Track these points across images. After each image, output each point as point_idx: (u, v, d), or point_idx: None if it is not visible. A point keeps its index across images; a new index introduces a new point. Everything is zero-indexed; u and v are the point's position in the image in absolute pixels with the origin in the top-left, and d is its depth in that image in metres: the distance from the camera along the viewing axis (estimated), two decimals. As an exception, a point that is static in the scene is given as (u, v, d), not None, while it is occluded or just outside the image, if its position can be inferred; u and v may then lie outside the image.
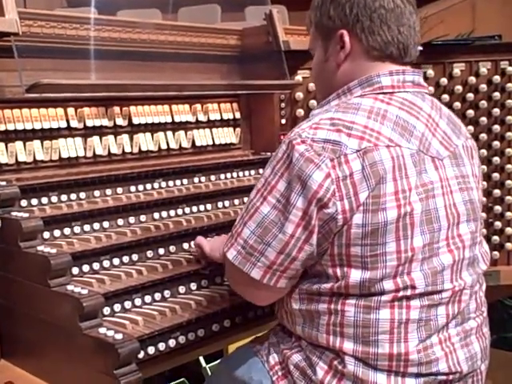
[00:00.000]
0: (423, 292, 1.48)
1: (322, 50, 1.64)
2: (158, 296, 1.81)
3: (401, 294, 1.46)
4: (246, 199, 2.37)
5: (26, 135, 2.02)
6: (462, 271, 1.56)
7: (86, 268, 1.79)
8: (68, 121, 2.11)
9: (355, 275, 1.44)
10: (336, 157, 1.41)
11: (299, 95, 2.68)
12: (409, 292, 1.46)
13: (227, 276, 1.74)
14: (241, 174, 2.52)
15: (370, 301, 1.46)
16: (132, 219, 2.03)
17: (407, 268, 1.45)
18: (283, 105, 2.68)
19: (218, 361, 1.87)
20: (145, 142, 2.32)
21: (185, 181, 2.31)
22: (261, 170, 2.59)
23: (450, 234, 1.52)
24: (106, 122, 2.21)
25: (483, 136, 2.80)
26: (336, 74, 1.61)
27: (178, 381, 2.92)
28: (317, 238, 1.44)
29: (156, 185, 2.22)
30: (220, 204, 2.29)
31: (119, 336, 1.48)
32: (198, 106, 2.51)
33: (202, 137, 2.53)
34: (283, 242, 1.46)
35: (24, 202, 1.87)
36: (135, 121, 2.29)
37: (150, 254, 1.93)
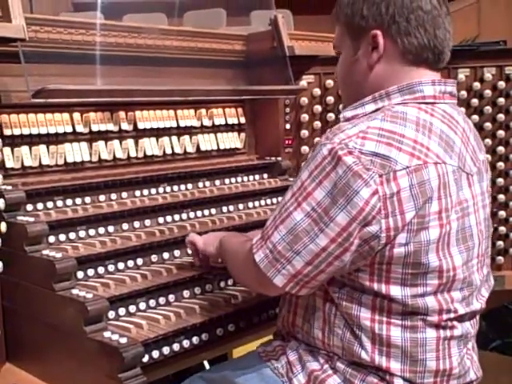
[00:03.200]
0: (463, 314, 1.50)
1: (352, 49, 1.55)
2: (162, 300, 1.82)
3: (445, 317, 1.46)
4: (250, 204, 2.38)
5: (31, 140, 2.03)
6: (481, 289, 1.58)
7: (90, 272, 1.80)
8: (73, 125, 2.12)
9: (395, 292, 1.42)
10: (385, 173, 1.34)
11: (304, 100, 2.69)
12: (452, 315, 1.47)
13: (240, 270, 1.66)
14: (245, 178, 2.53)
15: (415, 321, 1.44)
16: (137, 223, 2.04)
17: (448, 287, 1.45)
18: (288, 110, 2.69)
19: (223, 366, 1.83)
20: (150, 146, 2.33)
21: (189, 185, 2.32)
22: (265, 175, 2.60)
23: (480, 251, 1.53)
24: (111, 127, 2.22)
25: (488, 141, 2.80)
26: (368, 75, 1.53)
27: (182, 385, 2.92)
28: (351, 256, 1.39)
29: (161, 189, 2.23)
30: (224, 209, 2.30)
31: (124, 340, 1.49)
32: (203, 110, 2.52)
33: (207, 141, 2.54)
34: (313, 253, 1.40)
35: (29, 207, 1.88)
36: (140, 125, 2.30)
37: (154, 258, 1.94)
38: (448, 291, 1.45)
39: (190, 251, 1.95)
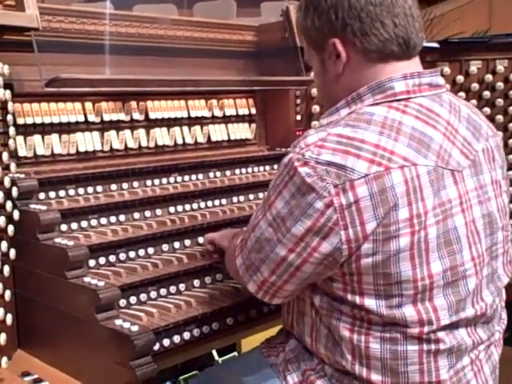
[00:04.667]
0: (448, 324, 1.39)
1: (318, 61, 1.51)
2: (173, 289, 1.83)
3: (426, 329, 1.37)
4: (260, 194, 2.39)
5: (44, 129, 2.04)
6: (482, 292, 1.46)
7: (102, 260, 1.81)
8: (85, 115, 2.14)
9: (370, 303, 1.36)
10: (340, 183, 1.29)
11: (315, 91, 2.68)
12: (434, 326, 1.37)
13: (230, 267, 1.69)
14: (256, 169, 2.53)
15: (395, 333, 1.37)
16: (148, 213, 2.05)
17: (428, 295, 1.36)
18: (299, 101, 2.68)
19: (228, 359, 1.84)
20: (161, 136, 2.34)
21: (200, 175, 2.33)
22: (275, 166, 2.60)
23: (475, 253, 1.41)
24: (122, 117, 2.23)
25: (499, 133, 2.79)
26: (339, 83, 1.47)
27: (190, 373, 2.94)
28: (315, 268, 1.36)
29: (172, 179, 2.24)
30: (235, 199, 2.31)
31: (135, 328, 1.50)
32: (214, 101, 2.52)
33: (218, 132, 2.55)
34: (275, 262, 1.40)
35: (42, 195, 1.90)
36: (152, 115, 2.31)
37: (165, 247, 1.95)
38: (429, 300, 1.36)
39: (210, 248, 1.94)
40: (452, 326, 1.41)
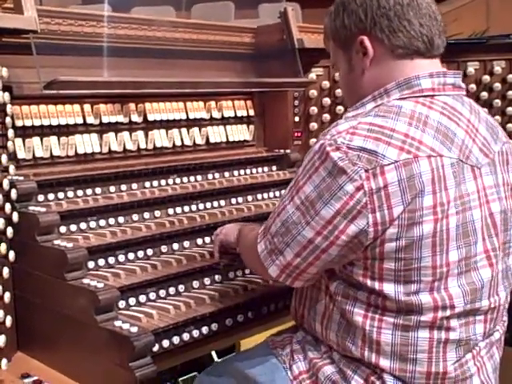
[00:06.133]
0: (462, 311, 1.45)
1: (345, 61, 1.58)
2: (172, 290, 1.83)
3: (440, 314, 1.42)
4: (259, 196, 2.40)
5: (43, 131, 2.05)
6: (498, 286, 1.52)
7: (101, 262, 1.81)
8: (84, 117, 2.14)
9: (388, 289, 1.41)
10: (371, 167, 1.34)
11: (313, 93, 2.69)
12: (448, 312, 1.43)
13: (249, 257, 1.71)
14: (254, 170, 2.54)
15: (408, 320, 1.42)
16: (147, 214, 2.05)
17: (443, 283, 1.42)
18: (297, 102, 2.69)
19: (231, 356, 1.85)
20: (159, 138, 2.34)
21: (199, 177, 2.33)
22: (274, 167, 2.62)
23: (489, 246, 1.48)
24: (121, 119, 2.24)
25: (497, 135, 2.79)
26: (365, 79, 1.54)
27: (189, 375, 2.94)
28: (339, 250, 1.40)
29: (170, 181, 2.25)
30: (233, 200, 2.31)
31: (134, 329, 1.51)
32: (213, 103, 2.53)
33: (216, 134, 2.55)
34: (301, 245, 1.43)
35: (41, 197, 1.90)
36: (150, 117, 2.31)
37: (164, 248, 1.96)
38: (444, 288, 1.42)
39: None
40: (466, 315, 1.46)
